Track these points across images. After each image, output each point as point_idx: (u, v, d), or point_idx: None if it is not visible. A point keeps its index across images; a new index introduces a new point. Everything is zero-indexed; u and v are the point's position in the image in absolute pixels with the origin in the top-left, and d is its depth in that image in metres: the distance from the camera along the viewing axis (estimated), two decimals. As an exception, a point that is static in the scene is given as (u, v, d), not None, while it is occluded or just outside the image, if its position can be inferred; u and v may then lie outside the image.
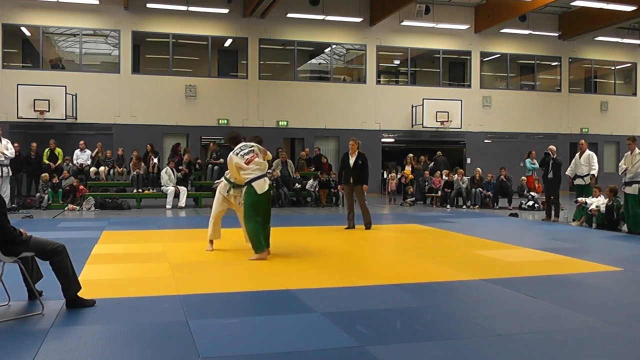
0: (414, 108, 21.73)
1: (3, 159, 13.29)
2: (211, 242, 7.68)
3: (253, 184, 6.84)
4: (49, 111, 17.57)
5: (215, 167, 16.39)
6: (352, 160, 10.33)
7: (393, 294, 5.30)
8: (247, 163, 6.86)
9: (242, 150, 6.98)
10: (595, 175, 11.80)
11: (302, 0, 20.59)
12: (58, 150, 16.25)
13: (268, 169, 7.31)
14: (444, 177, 16.92)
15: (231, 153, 7.07)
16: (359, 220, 10.36)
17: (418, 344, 3.85)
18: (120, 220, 11.80)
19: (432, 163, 18.67)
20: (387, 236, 9.96)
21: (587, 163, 11.86)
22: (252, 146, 7.05)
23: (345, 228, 10.35)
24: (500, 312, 4.73)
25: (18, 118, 17.56)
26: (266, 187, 6.87)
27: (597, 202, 10.98)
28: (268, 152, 7.38)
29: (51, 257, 4.58)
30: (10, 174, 10.16)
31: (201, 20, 19.93)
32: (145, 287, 5.40)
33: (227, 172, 7.55)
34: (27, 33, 19.65)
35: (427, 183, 17.17)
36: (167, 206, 14.59)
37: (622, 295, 5.41)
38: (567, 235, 9.70)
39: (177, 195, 14.79)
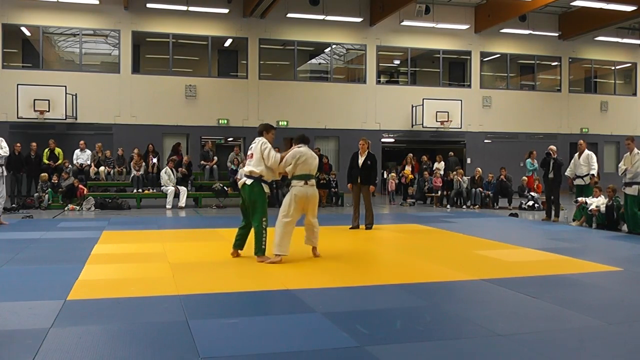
0: (414, 108, 21.72)
1: None
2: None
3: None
4: (49, 111, 17.57)
5: (214, 167, 16.43)
6: (361, 160, 10.34)
7: (393, 294, 5.30)
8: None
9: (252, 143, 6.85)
10: (595, 174, 11.78)
11: (302, 0, 20.59)
12: (58, 150, 16.27)
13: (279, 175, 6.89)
14: (443, 176, 16.91)
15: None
16: (363, 220, 10.38)
17: (418, 344, 3.84)
18: (120, 220, 11.79)
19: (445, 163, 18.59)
20: (388, 236, 9.95)
21: (586, 163, 11.84)
22: (252, 146, 6.82)
23: (350, 228, 10.37)
24: (500, 312, 4.72)
25: (18, 118, 17.58)
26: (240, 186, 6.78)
27: (597, 202, 10.98)
28: (272, 158, 6.58)
29: None
30: (5, 173, 10.06)
31: (201, 20, 19.93)
32: (145, 287, 5.39)
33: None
34: (27, 33, 19.65)
35: (426, 183, 17.16)
36: (167, 206, 14.58)
37: (622, 295, 5.41)
38: (567, 235, 9.69)
39: (177, 195, 14.79)
